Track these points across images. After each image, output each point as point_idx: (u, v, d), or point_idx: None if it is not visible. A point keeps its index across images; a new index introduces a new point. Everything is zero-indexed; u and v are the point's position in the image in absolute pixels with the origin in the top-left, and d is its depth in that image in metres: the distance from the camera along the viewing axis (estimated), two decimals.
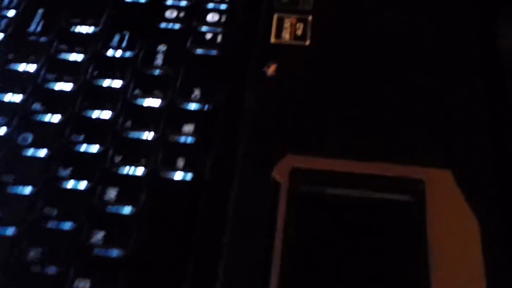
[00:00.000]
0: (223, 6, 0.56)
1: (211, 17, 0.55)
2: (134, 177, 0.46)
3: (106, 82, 0.51)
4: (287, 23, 0.55)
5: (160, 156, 0.47)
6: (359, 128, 0.49)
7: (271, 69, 0.52)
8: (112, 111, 0.49)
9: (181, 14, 0.55)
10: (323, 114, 0.49)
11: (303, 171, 0.46)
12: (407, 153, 0.47)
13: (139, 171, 0.46)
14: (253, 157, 0.47)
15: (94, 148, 0.47)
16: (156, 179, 0.46)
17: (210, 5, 0.56)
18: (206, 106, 0.50)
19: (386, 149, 0.48)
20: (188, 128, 0.48)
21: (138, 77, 0.51)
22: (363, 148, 0.48)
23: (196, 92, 0.50)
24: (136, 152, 0.47)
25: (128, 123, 0.48)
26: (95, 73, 0.51)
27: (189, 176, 0.46)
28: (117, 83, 0.51)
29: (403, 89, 0.51)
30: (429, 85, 0.51)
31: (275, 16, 0.56)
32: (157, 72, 0.52)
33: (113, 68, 0.51)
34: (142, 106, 0.49)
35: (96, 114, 0.49)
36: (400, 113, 0.49)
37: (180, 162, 0.47)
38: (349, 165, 0.47)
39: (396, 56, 0.53)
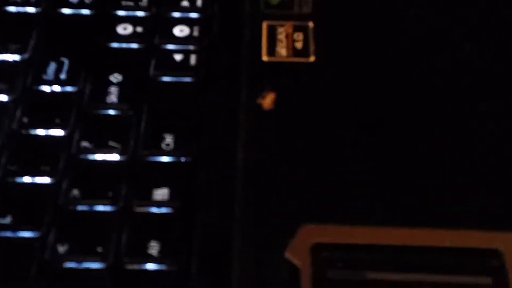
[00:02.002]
0: (193, 15, 0.42)
1: (179, 31, 0.41)
2: (87, 272, 0.32)
3: (41, 132, 0.36)
4: (281, 33, 0.41)
5: (124, 239, 0.33)
6: (397, 182, 0.35)
7: (267, 101, 0.38)
8: (51, 175, 0.35)
9: (138, 29, 0.41)
10: (345, 164, 0.36)
11: (330, 248, 0.33)
12: (469, 214, 0.34)
13: (94, 264, 0.32)
14: (255, 232, 0.33)
15: (26, 234, 0.33)
16: (121, 276, 0.32)
17: (176, 14, 0.42)
18: (183, 159, 0.36)
19: (438, 209, 0.34)
20: (161, 193, 0.34)
21: (86, 122, 0.37)
22: (405, 209, 0.34)
23: (168, 139, 0.36)
24: (88, 235, 0.33)
25: (75, 192, 0.34)
26: (25, 119, 0.37)
27: (167, 266, 0.32)
28: (56, 133, 0.36)
29: (452, 121, 0.37)
30: (488, 118, 0.37)
31: (265, 25, 0.42)
32: (111, 112, 0.38)
33: (50, 110, 0.37)
34: (92, 165, 0.35)
35: (27, 179, 0.35)
36: (452, 157, 0.36)
37: (154, 247, 0.33)
38: (392, 235, 0.33)
39: (438, 72, 0.40)
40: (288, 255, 0.32)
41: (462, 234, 0.33)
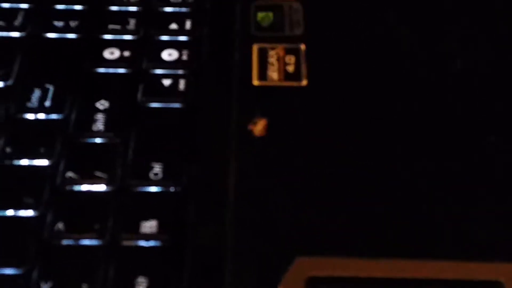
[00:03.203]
0: (182, 38, 0.41)
1: (168, 55, 0.40)
2: None
3: (24, 162, 0.35)
4: (272, 57, 0.40)
5: (111, 275, 0.31)
6: (394, 212, 0.34)
7: (258, 127, 0.37)
8: (35, 207, 0.33)
9: (126, 53, 0.40)
10: (341, 193, 0.34)
11: (326, 282, 0.31)
12: (469, 245, 0.33)
13: None
14: (247, 265, 0.32)
15: (8, 271, 0.31)
16: None
17: (164, 38, 0.41)
18: (172, 189, 0.35)
19: (437, 241, 0.33)
20: (149, 225, 0.33)
21: (71, 151, 0.35)
22: (404, 241, 0.33)
23: (156, 168, 0.35)
24: (73, 271, 0.32)
25: (60, 226, 0.33)
26: (8, 149, 0.35)
27: None
28: (40, 163, 0.35)
29: (449, 147, 0.36)
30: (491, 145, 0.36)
31: (255, 48, 0.41)
32: (97, 141, 0.36)
33: (35, 139, 0.36)
34: (78, 196, 0.34)
35: (10, 212, 0.33)
36: (450, 187, 0.34)
37: (142, 283, 0.31)
38: (390, 268, 0.32)
39: (433, 94, 0.39)
40: None
41: (463, 266, 0.32)
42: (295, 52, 0.40)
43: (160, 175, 0.35)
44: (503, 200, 0.34)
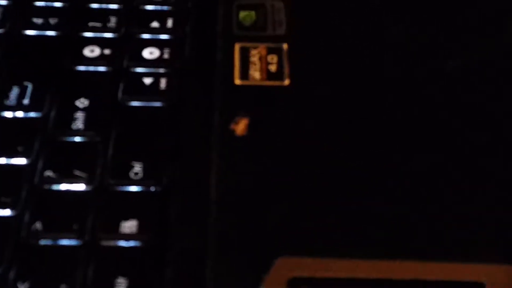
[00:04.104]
0: (163, 36, 0.40)
1: (149, 53, 0.39)
2: None
3: (2, 161, 0.34)
4: (254, 56, 0.40)
5: (90, 275, 0.31)
6: (378, 212, 0.33)
7: (240, 126, 0.36)
8: (12, 207, 0.32)
9: (106, 51, 0.39)
10: (323, 192, 0.34)
11: (307, 282, 0.31)
12: (452, 246, 0.32)
13: None
14: (229, 265, 0.32)
15: None
16: None
17: (146, 36, 0.40)
18: (153, 188, 0.34)
19: (420, 242, 0.32)
20: (130, 225, 0.33)
21: (50, 149, 0.35)
22: (387, 241, 0.32)
23: (137, 168, 0.34)
24: (51, 271, 0.31)
25: (38, 225, 0.32)
26: None
27: None
28: (18, 161, 0.35)
29: (434, 147, 0.36)
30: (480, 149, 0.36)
31: (237, 47, 0.40)
32: (77, 139, 0.36)
33: (13, 138, 0.35)
34: (57, 195, 0.33)
35: None
36: (435, 188, 0.34)
37: (121, 284, 0.31)
38: (373, 269, 0.31)
39: (418, 93, 0.38)
40: None
41: (446, 266, 0.31)
42: (278, 51, 0.40)
43: (140, 175, 0.34)
44: (486, 202, 0.34)
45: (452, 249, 0.32)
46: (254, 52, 0.40)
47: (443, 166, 0.35)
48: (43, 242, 0.32)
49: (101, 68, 0.39)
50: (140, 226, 0.32)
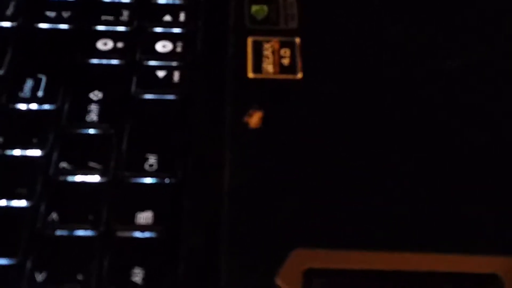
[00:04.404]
0: (176, 30, 0.40)
1: (162, 47, 0.40)
2: None
3: (17, 152, 0.35)
4: (267, 50, 0.40)
5: (106, 266, 0.31)
6: (392, 204, 0.33)
7: (254, 119, 0.36)
8: (29, 198, 0.33)
9: (119, 44, 0.39)
10: (338, 184, 0.34)
11: (323, 274, 0.31)
12: (467, 238, 0.32)
13: None
14: (243, 257, 0.32)
15: (1, 262, 0.31)
16: None
17: (158, 29, 0.40)
18: (167, 180, 0.34)
19: (435, 234, 0.32)
20: (145, 216, 0.33)
21: (64, 141, 0.35)
22: (401, 233, 0.32)
23: (151, 160, 0.35)
24: (67, 261, 0.31)
25: (54, 216, 0.32)
26: (0, 139, 0.35)
27: None
28: (33, 153, 0.35)
29: (443, 141, 0.36)
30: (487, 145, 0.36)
31: (250, 40, 0.40)
32: (91, 132, 0.36)
33: (27, 130, 0.35)
34: (72, 187, 0.33)
35: (3, 203, 0.32)
36: (448, 181, 0.34)
37: (137, 274, 0.31)
38: (387, 260, 0.31)
39: (427, 86, 0.38)
40: (279, 281, 0.31)
41: (460, 259, 0.32)
42: (290, 45, 0.40)
43: (155, 167, 0.34)
44: (500, 195, 0.34)
45: (467, 241, 0.32)
46: (267, 45, 0.40)
47: (456, 160, 0.35)
48: (59, 232, 0.32)
49: (114, 61, 0.39)
50: (155, 218, 0.32)
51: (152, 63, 0.39)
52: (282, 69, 0.39)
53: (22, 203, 0.33)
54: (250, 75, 0.39)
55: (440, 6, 0.42)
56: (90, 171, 0.34)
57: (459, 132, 0.36)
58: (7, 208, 0.32)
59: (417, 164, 0.35)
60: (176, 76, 0.38)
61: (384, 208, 0.33)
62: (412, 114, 0.37)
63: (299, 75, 0.39)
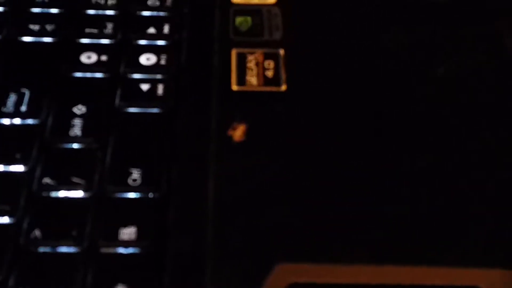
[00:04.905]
0: (160, 42, 0.40)
1: (146, 59, 0.39)
2: None
3: (0, 168, 0.35)
4: (251, 62, 0.40)
5: (89, 282, 0.31)
6: (376, 218, 0.33)
7: (238, 132, 0.36)
8: (11, 214, 0.33)
9: (103, 57, 0.39)
10: (322, 198, 0.34)
11: None
12: (450, 251, 0.32)
13: None
14: (227, 271, 0.32)
15: None
16: None
17: (142, 42, 0.40)
18: (151, 195, 0.34)
19: (418, 247, 0.32)
20: (129, 232, 0.33)
21: (48, 156, 0.35)
22: (385, 247, 0.32)
23: (135, 174, 0.35)
24: (51, 279, 0.31)
25: (37, 233, 0.32)
26: None
27: None
28: (16, 168, 0.35)
29: (429, 153, 0.36)
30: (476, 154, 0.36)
31: (234, 52, 0.40)
32: (75, 146, 0.36)
33: (10, 145, 0.35)
34: (55, 202, 0.33)
35: None
36: (431, 193, 0.34)
37: None
38: (372, 274, 0.31)
39: (414, 100, 0.38)
40: None
41: (443, 271, 0.32)
42: (274, 57, 0.40)
43: (139, 181, 0.34)
44: (483, 207, 0.34)
45: (449, 254, 0.32)
46: (251, 57, 0.40)
47: (438, 170, 0.35)
48: (42, 249, 0.32)
49: (98, 75, 0.39)
50: (139, 233, 0.32)
51: (136, 76, 0.39)
52: (266, 81, 0.39)
53: (5, 219, 0.33)
54: (234, 87, 0.39)
55: (423, 15, 0.42)
56: (74, 186, 0.34)
57: (442, 141, 0.37)
58: None
59: (399, 179, 0.35)
60: (160, 89, 0.38)
61: (368, 222, 0.33)
62: (398, 128, 0.37)
63: (283, 87, 0.39)
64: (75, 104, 0.37)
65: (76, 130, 0.36)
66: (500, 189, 0.34)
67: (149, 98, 0.38)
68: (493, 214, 0.34)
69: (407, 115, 0.37)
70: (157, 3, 0.42)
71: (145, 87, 0.38)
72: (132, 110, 0.37)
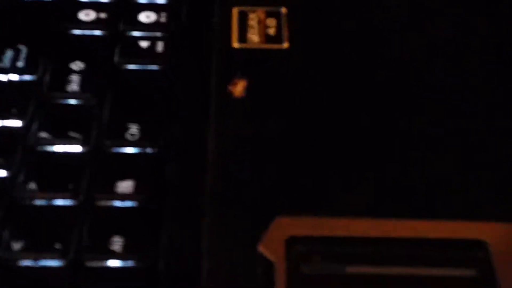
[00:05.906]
0: (160, 0, 0.40)
1: (145, 17, 0.39)
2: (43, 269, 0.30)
3: None
4: (253, 20, 0.39)
5: (85, 235, 0.31)
6: (376, 170, 0.33)
7: (238, 88, 0.36)
8: (7, 168, 0.32)
9: (102, 15, 0.39)
10: (321, 152, 0.33)
11: (306, 241, 0.30)
12: (453, 204, 0.32)
13: (53, 262, 0.30)
14: (226, 225, 0.31)
15: None
16: (81, 274, 0.30)
17: (142, 0, 0.40)
18: (149, 150, 0.34)
19: (420, 200, 0.32)
20: (125, 185, 0.32)
21: (45, 111, 0.34)
22: (386, 200, 0.32)
23: (133, 129, 0.34)
24: (46, 231, 0.30)
25: (32, 185, 0.32)
26: None
27: (131, 262, 0.30)
28: (13, 123, 0.34)
29: (429, 113, 0.35)
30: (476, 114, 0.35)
31: (235, 11, 0.40)
32: (72, 102, 0.35)
33: (7, 100, 0.35)
34: (51, 157, 0.33)
35: None
36: (433, 147, 0.34)
37: (117, 243, 0.30)
38: (372, 227, 0.31)
39: (416, 60, 0.38)
40: (261, 248, 0.30)
41: (446, 225, 0.31)
42: (276, 15, 0.39)
43: (137, 136, 0.34)
44: (488, 161, 0.33)
45: (454, 207, 0.32)
46: (252, 16, 0.39)
47: (444, 128, 0.35)
48: (37, 202, 0.31)
49: (97, 32, 0.38)
50: (136, 186, 0.32)
51: (135, 33, 0.38)
52: (267, 39, 0.38)
53: (1, 172, 0.32)
54: (235, 44, 0.38)
55: None
56: (71, 141, 0.33)
57: (447, 100, 0.36)
58: None
59: (403, 132, 0.34)
60: (160, 46, 0.37)
61: (369, 175, 0.32)
62: (399, 85, 0.37)
63: (285, 45, 0.38)
64: (73, 61, 0.36)
65: (74, 86, 0.35)
66: (507, 142, 0.33)
67: (149, 55, 0.37)
68: (500, 169, 0.33)
69: (409, 70, 0.37)
70: None
71: (144, 44, 0.37)
72: (131, 67, 0.37)
